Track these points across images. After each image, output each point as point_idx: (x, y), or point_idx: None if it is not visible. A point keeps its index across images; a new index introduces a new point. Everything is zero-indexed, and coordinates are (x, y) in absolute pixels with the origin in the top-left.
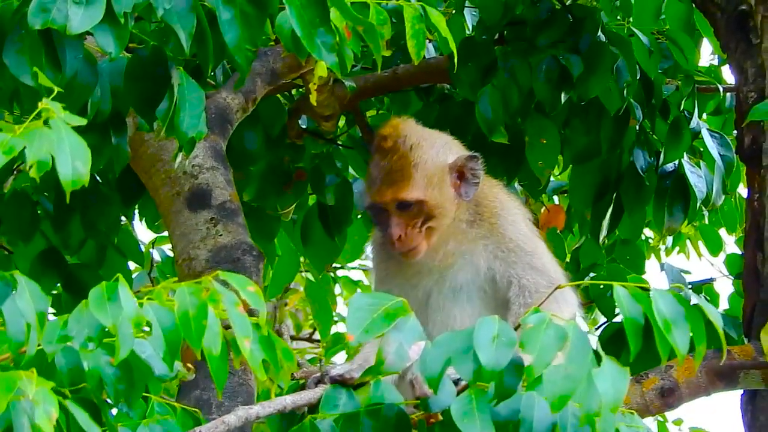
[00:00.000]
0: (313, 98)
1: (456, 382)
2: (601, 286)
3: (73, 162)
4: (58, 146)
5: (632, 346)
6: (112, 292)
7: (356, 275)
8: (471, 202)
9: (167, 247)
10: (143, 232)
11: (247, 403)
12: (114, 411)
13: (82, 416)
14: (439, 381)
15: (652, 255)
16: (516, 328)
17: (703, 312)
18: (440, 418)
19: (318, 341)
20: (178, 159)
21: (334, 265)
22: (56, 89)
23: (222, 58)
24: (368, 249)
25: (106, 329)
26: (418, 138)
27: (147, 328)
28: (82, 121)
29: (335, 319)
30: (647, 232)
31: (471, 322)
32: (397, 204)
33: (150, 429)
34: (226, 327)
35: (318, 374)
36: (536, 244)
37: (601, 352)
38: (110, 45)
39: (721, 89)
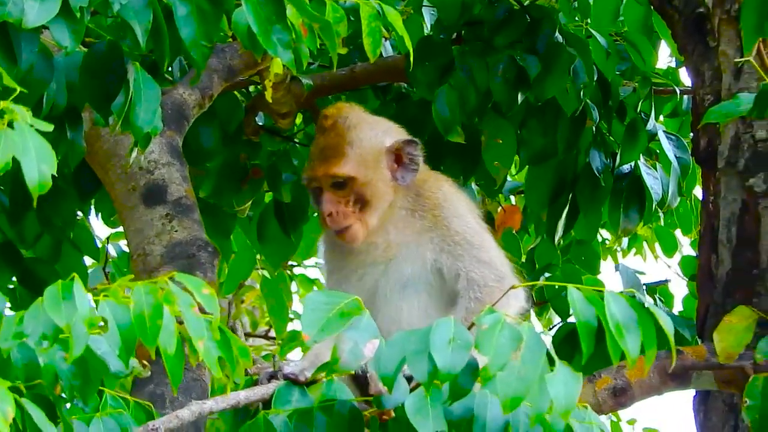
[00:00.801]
0: (269, 95)
1: (409, 379)
2: (556, 287)
3: (39, 165)
4: (23, 149)
5: (585, 348)
6: (67, 291)
7: (312, 273)
8: (413, 192)
9: (123, 243)
10: (98, 228)
11: (200, 399)
12: (67, 405)
13: (37, 414)
14: (394, 380)
15: (609, 256)
16: (470, 327)
17: (654, 317)
18: (393, 415)
19: (273, 338)
20: (134, 154)
21: (290, 262)
22: (18, 89)
23: (178, 54)
24: (320, 244)
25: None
26: (358, 119)
27: (102, 324)
28: (49, 127)
29: (290, 316)
30: (603, 233)
31: (418, 316)
32: (330, 181)
33: (104, 423)
34: (181, 322)
35: (271, 370)
36: (483, 237)
37: (555, 356)
38: (66, 39)
39: (678, 91)
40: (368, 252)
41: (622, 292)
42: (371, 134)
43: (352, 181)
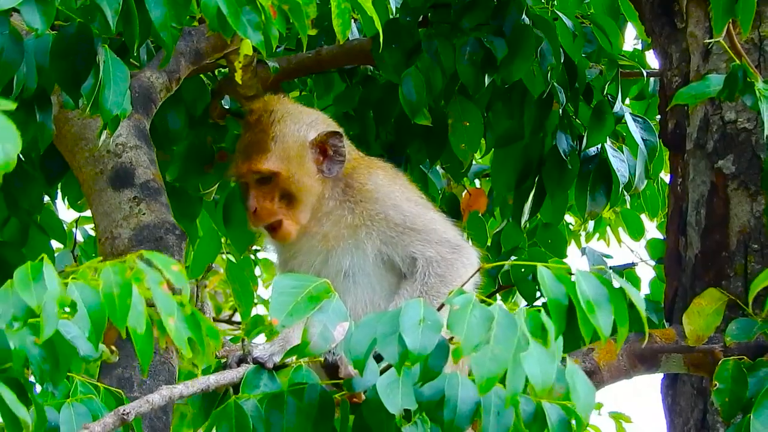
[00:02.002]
0: (238, 76)
1: (377, 358)
2: (523, 270)
3: (3, 144)
4: None
5: (555, 327)
6: (37, 273)
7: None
8: (343, 183)
9: (89, 227)
10: (63, 212)
11: (168, 382)
12: (37, 389)
13: (9, 396)
14: (364, 363)
15: (572, 241)
16: (439, 308)
17: (626, 294)
18: (363, 397)
19: (238, 323)
20: (103, 137)
21: (254, 247)
22: None
23: (147, 36)
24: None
25: (32, 309)
26: (283, 113)
27: (68, 310)
28: (12, 106)
29: (255, 301)
30: (568, 218)
31: (363, 306)
32: (255, 177)
33: (74, 408)
34: (151, 305)
35: (240, 353)
36: (425, 219)
37: (528, 335)
38: (37, 21)
39: (644, 74)
40: (307, 242)
41: (591, 271)
42: (295, 128)
43: (276, 177)
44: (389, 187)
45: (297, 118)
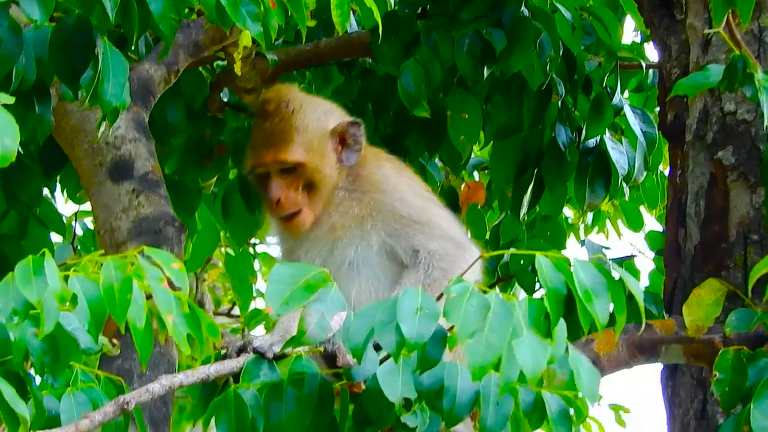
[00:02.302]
0: (237, 68)
1: (376, 348)
2: (522, 261)
3: (2, 138)
4: None
5: (553, 316)
6: (38, 267)
7: (275, 251)
8: (353, 173)
9: (88, 220)
10: (62, 206)
11: (168, 373)
12: (37, 381)
13: (8, 390)
14: (363, 352)
15: (571, 234)
16: (438, 298)
17: (624, 284)
18: (363, 387)
19: (237, 316)
20: (102, 129)
21: (253, 240)
22: None
23: (147, 28)
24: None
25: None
26: (300, 102)
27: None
28: (10, 100)
29: (254, 294)
30: (566, 211)
31: (367, 296)
32: (279, 167)
33: (74, 397)
34: (149, 297)
35: (240, 343)
36: (430, 213)
37: (523, 324)
38: (36, 12)
39: (643, 66)
40: (314, 231)
41: (590, 260)
42: (315, 117)
43: (302, 167)
44: (396, 179)
45: (314, 107)
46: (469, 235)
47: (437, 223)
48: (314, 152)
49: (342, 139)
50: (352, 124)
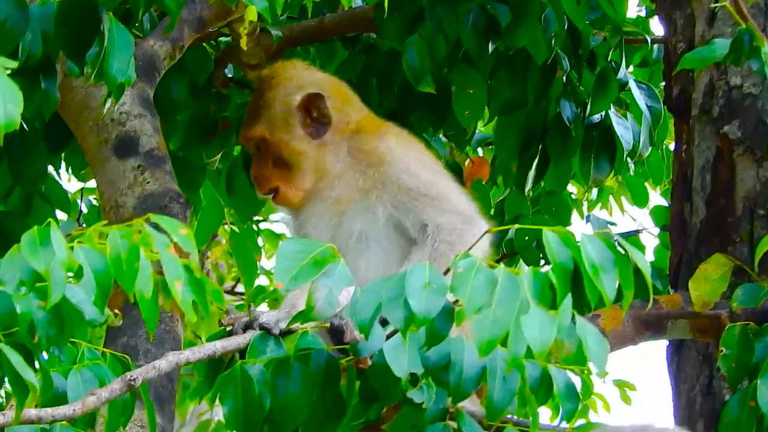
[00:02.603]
0: (243, 43)
1: (383, 323)
2: (527, 237)
3: (5, 104)
4: None
5: (559, 291)
6: (44, 237)
7: (279, 228)
8: (349, 146)
9: (93, 197)
10: (66, 184)
11: (174, 350)
12: (44, 357)
13: (15, 358)
14: (370, 327)
15: (575, 210)
16: (445, 273)
17: (631, 259)
18: (369, 363)
19: (241, 294)
20: (107, 105)
21: (256, 218)
22: None
23: (152, 4)
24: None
25: (39, 274)
26: (280, 79)
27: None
28: (13, 64)
29: (258, 272)
30: (570, 187)
31: (376, 270)
32: (252, 143)
33: (81, 374)
34: (158, 272)
35: (246, 320)
36: (440, 187)
37: (531, 299)
38: None
39: (648, 40)
40: (320, 206)
41: (597, 234)
42: (283, 92)
43: (266, 143)
44: (402, 151)
45: (290, 82)
46: (478, 209)
47: (446, 197)
48: (277, 127)
49: (309, 111)
50: (313, 96)
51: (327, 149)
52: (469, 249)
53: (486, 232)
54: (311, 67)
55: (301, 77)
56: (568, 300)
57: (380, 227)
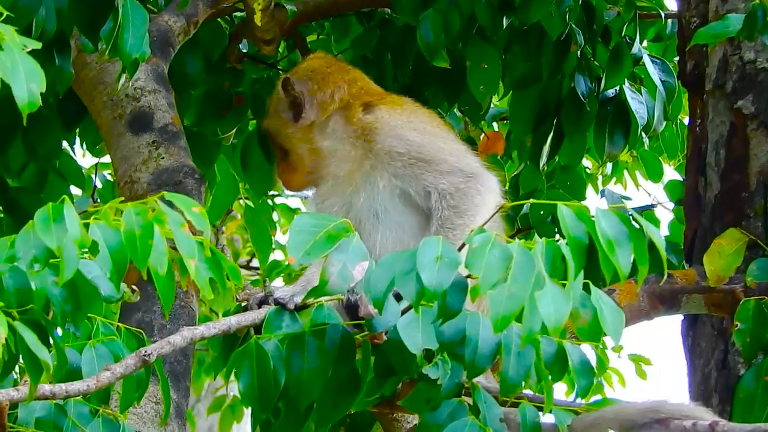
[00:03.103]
0: (258, 18)
1: (397, 298)
2: (542, 212)
3: (28, 84)
4: (13, 70)
5: (575, 266)
6: (58, 214)
7: (294, 203)
8: (340, 124)
9: (107, 173)
10: (80, 158)
11: (189, 326)
12: (59, 332)
13: (30, 337)
14: (384, 301)
15: (589, 185)
16: (460, 248)
17: (646, 233)
18: (384, 338)
19: (256, 269)
20: (122, 81)
21: (271, 192)
22: (5, 13)
23: None
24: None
25: (52, 250)
26: (291, 72)
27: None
28: (37, 45)
29: (273, 246)
30: (585, 162)
31: (393, 244)
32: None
33: (96, 350)
34: (173, 248)
35: (261, 295)
36: (432, 148)
37: (545, 274)
38: None
39: (662, 15)
40: (331, 187)
41: (612, 209)
42: (280, 84)
43: (270, 134)
44: (390, 116)
45: (292, 75)
46: (481, 163)
47: (442, 158)
48: (272, 117)
49: (289, 97)
50: (283, 81)
51: (314, 129)
52: (485, 223)
53: (500, 208)
54: (314, 54)
55: (296, 67)
56: (580, 275)
57: (387, 200)
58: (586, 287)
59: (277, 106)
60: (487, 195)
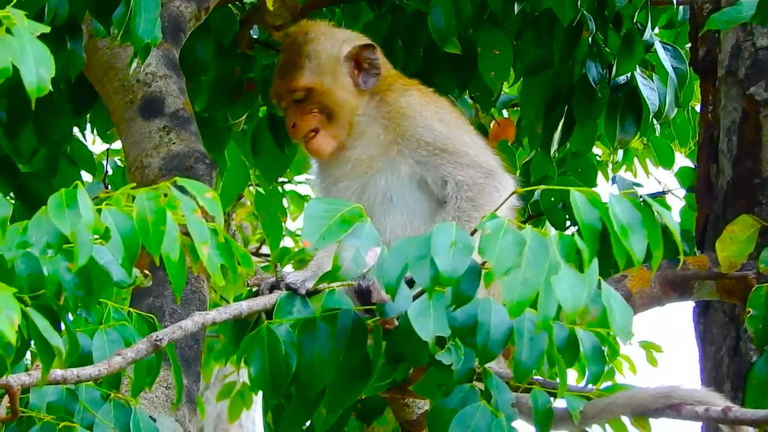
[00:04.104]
0: (269, 3)
1: (410, 284)
2: (552, 198)
3: (38, 69)
4: (22, 54)
5: (588, 252)
6: (71, 200)
7: (303, 189)
8: (377, 99)
9: (117, 159)
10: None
11: (200, 311)
12: (70, 317)
13: (42, 322)
14: (396, 287)
15: (600, 172)
16: (473, 233)
17: (659, 218)
18: (396, 323)
19: (266, 255)
20: (133, 65)
21: (281, 179)
22: None
23: None
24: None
25: (65, 236)
26: (317, 33)
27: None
28: (46, 29)
29: (283, 233)
30: (595, 149)
31: (404, 229)
32: (291, 95)
33: (107, 335)
34: (185, 233)
35: (272, 280)
36: (457, 141)
37: (560, 260)
38: None
39: (674, 2)
40: (345, 167)
41: (624, 195)
42: (328, 44)
43: (312, 93)
44: (422, 105)
45: (330, 35)
46: (500, 162)
47: (464, 151)
48: (325, 76)
49: (357, 63)
50: (365, 46)
51: (362, 102)
52: (497, 209)
53: (512, 193)
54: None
55: (341, 32)
56: (595, 265)
57: (405, 185)
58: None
59: (337, 68)
60: (504, 192)
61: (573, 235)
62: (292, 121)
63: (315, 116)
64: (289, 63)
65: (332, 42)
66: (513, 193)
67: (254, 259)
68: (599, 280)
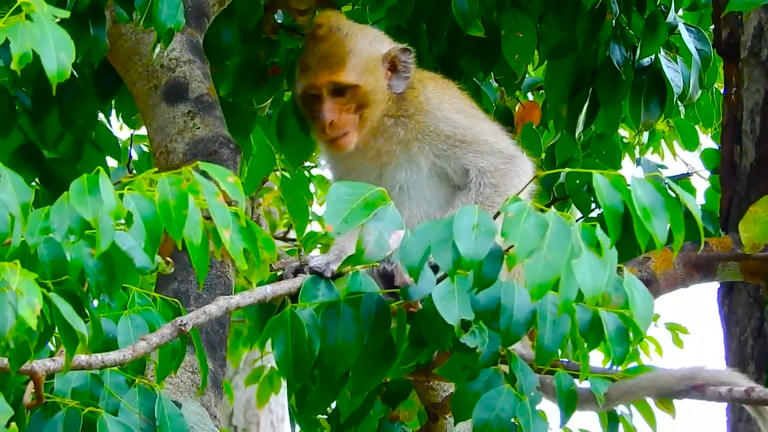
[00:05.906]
0: None
1: (434, 269)
2: (577, 181)
3: (58, 54)
4: (42, 39)
5: (611, 234)
6: (93, 185)
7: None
8: (397, 100)
9: (143, 144)
10: (116, 130)
11: (224, 295)
12: (94, 303)
13: (65, 308)
14: (419, 270)
15: (626, 154)
16: (495, 216)
17: (681, 201)
18: (420, 306)
19: (293, 240)
20: (157, 50)
21: (307, 163)
22: None
23: None
24: (321, 159)
25: (88, 222)
26: (351, 28)
27: (123, 221)
28: (66, 14)
29: (310, 218)
30: (621, 131)
31: (420, 221)
32: (332, 88)
33: (131, 320)
34: (207, 218)
35: (296, 264)
36: (476, 130)
37: (582, 243)
38: None
39: None
40: (360, 159)
41: (647, 177)
42: (367, 42)
43: (355, 89)
44: (439, 99)
45: (365, 32)
46: (518, 146)
47: (484, 139)
48: (368, 75)
49: (392, 65)
50: (404, 50)
51: (390, 103)
52: (518, 193)
53: (534, 177)
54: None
55: (370, 29)
56: (614, 252)
57: (423, 178)
58: (619, 271)
59: (376, 67)
60: (525, 177)
61: (594, 224)
62: (330, 117)
63: (351, 117)
64: (332, 56)
65: (370, 40)
66: (534, 177)
67: (282, 243)
68: (622, 268)
